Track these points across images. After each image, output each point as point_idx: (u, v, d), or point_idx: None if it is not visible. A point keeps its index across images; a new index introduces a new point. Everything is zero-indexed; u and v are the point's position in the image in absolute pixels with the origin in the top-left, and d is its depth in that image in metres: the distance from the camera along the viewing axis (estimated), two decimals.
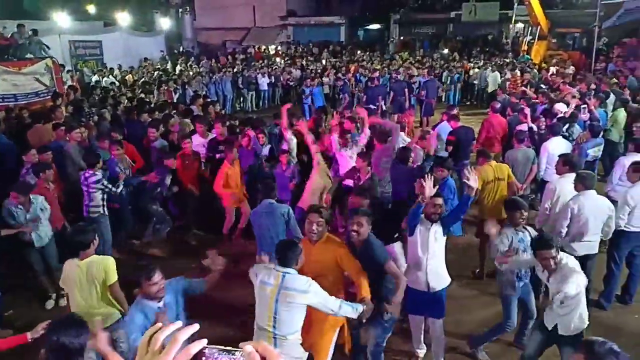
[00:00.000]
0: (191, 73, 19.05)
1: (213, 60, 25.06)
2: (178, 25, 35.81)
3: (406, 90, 14.20)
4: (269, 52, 30.59)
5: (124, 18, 24.98)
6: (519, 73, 15.82)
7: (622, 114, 9.06)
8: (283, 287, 3.49)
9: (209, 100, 12.60)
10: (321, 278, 3.74)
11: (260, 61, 24.24)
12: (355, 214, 4.12)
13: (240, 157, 7.23)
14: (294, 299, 3.46)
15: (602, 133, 8.01)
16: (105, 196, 6.28)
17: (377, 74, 15.81)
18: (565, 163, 5.59)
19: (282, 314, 3.50)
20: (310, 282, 3.52)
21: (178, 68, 21.76)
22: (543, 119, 8.36)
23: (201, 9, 35.61)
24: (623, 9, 16.76)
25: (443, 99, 17.56)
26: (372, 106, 11.91)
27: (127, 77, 17.54)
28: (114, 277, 4.11)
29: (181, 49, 32.10)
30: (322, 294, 3.54)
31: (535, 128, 8.11)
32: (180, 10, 36.96)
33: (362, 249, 4.06)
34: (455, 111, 9.11)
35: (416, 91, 14.51)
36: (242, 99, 18.64)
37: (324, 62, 24.26)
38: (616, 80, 12.88)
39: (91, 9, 30.30)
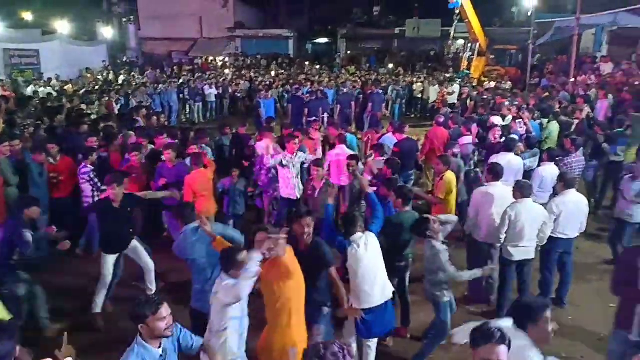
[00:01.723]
0: (134, 84, 18.51)
1: (158, 71, 24.54)
2: (122, 34, 34.89)
3: (352, 103, 14.43)
4: (217, 63, 30.31)
5: (63, 26, 24.05)
6: (456, 86, 16.52)
7: (555, 126, 9.60)
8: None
9: (151, 111, 12.23)
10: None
11: (208, 72, 23.95)
12: (303, 215, 4.11)
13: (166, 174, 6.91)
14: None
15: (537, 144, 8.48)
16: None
17: (316, 86, 16.01)
18: (490, 172, 5.83)
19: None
20: (219, 284, 3.55)
21: (121, 78, 21.12)
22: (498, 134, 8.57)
23: (146, 18, 34.81)
24: (554, 27, 17.87)
25: (389, 113, 17.97)
26: (315, 118, 12.02)
27: (66, 88, 16.81)
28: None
29: (125, 59, 31.24)
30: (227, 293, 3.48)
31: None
32: (124, 19, 36.05)
33: (310, 249, 4.06)
34: (400, 124, 9.34)
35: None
36: (188, 110, 18.30)
37: (272, 73, 24.30)
38: (548, 94, 13.66)
39: (28, 16, 28.99)
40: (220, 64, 30.45)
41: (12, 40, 19.03)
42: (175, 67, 27.15)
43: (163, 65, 27.91)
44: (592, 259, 6.93)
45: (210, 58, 31.88)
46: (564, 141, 7.60)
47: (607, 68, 17.00)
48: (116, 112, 13.38)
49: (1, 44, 18.01)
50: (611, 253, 6.75)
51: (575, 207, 5.54)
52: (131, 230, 5.71)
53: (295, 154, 6.96)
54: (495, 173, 5.74)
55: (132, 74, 22.79)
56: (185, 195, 6.34)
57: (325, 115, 13.28)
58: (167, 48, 34.38)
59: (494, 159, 6.77)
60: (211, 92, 18.50)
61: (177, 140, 8.26)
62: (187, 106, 18.24)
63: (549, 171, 6.65)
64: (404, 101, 18.66)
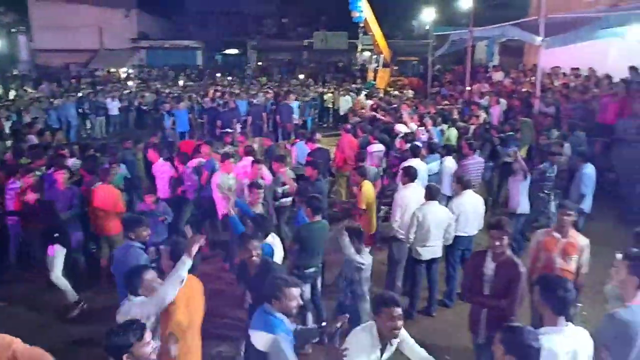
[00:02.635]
0: (26, 98, 17.09)
1: (55, 84, 22.87)
2: (11, 45, 32.14)
3: (264, 114, 14.41)
4: (120, 75, 28.90)
5: None
6: (363, 97, 17.12)
7: (453, 132, 10.27)
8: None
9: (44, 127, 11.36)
10: None
11: (111, 85, 22.73)
12: (250, 238, 4.07)
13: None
14: None
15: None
16: None
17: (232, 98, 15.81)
18: (406, 174, 6.15)
19: None
20: (130, 305, 3.42)
21: (12, 93, 19.40)
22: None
23: (39, 28, 32.38)
24: (450, 40, 19.15)
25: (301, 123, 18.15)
26: (228, 130, 11.85)
27: None
28: None
29: (15, 73, 28.79)
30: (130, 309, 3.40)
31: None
32: (12, 29, 33.23)
33: (260, 270, 3.97)
34: (311, 133, 9.47)
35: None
36: (89, 125, 17.21)
37: (180, 83, 23.62)
38: (447, 103, 14.58)
39: None
40: (123, 75, 29.04)
41: None
42: (73, 80, 25.46)
43: (60, 78, 26.04)
44: None
45: (113, 70, 30.32)
46: (462, 145, 8.12)
47: (498, 77, 18.49)
48: (7, 129, 12.29)
49: None
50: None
51: (472, 206, 5.93)
52: None
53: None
54: (411, 175, 6.11)
55: (25, 88, 21.02)
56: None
57: (238, 126, 13.13)
58: (64, 60, 32.20)
59: (404, 163, 7.06)
60: (114, 105, 17.56)
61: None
62: (88, 121, 17.15)
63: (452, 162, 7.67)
64: (316, 111, 18.97)
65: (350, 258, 4.53)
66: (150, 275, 3.54)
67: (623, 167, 8.81)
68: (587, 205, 6.99)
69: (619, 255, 3.76)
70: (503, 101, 13.02)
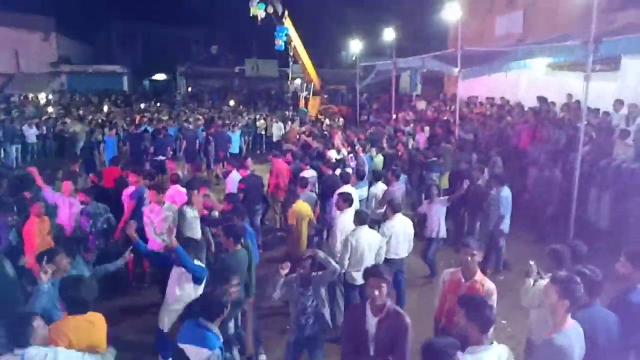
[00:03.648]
0: None
1: None
2: None
3: (197, 140, 14.20)
4: (38, 101, 27.33)
5: None
6: (297, 125, 17.40)
7: (379, 158, 10.71)
8: None
9: None
10: None
11: (26, 110, 21.43)
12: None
13: None
14: None
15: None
16: None
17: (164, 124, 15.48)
18: (345, 200, 6.33)
19: None
20: (53, 351, 3.09)
21: None
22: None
23: None
24: (376, 70, 19.99)
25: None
26: (161, 157, 11.56)
27: None
28: None
29: None
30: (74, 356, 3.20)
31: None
32: None
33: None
34: (242, 161, 9.47)
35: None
36: (3, 154, 16.05)
37: (105, 109, 22.71)
38: (375, 129, 15.15)
39: None
40: (43, 101, 27.50)
41: None
42: None
43: None
44: (422, 274, 7.72)
45: (31, 95, 28.63)
46: (387, 173, 8.44)
47: (421, 105, 19.52)
48: None
49: None
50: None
51: (402, 229, 6.19)
52: None
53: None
54: (350, 200, 6.32)
55: None
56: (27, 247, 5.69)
57: (170, 153, 12.83)
58: None
59: (338, 190, 7.25)
60: (31, 132, 16.56)
61: None
62: (2, 149, 16.02)
63: (379, 188, 8.00)
64: (250, 138, 18.93)
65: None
66: (36, 323, 3.15)
67: (536, 189, 9.56)
68: (505, 225, 7.50)
69: (543, 281, 3.99)
70: (427, 128, 13.74)
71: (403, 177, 8.62)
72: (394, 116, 17.31)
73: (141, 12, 37.05)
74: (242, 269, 5.05)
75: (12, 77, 31.36)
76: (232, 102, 28.76)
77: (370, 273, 3.62)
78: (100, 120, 18.25)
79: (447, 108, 17.14)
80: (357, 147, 10.73)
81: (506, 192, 7.53)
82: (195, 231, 6.59)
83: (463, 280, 4.19)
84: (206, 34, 40.71)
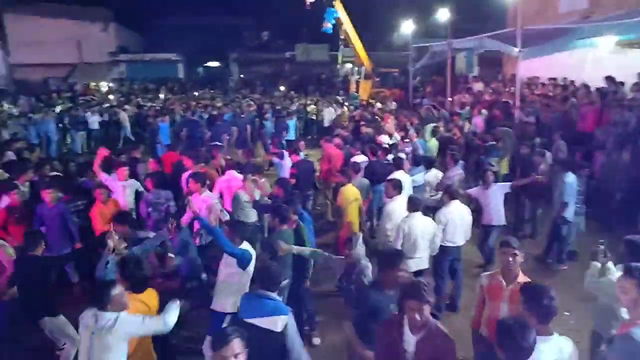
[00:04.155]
0: (4, 114, 16.77)
1: (33, 99, 22.51)
2: None
3: (249, 126, 14.39)
4: (100, 89, 28.62)
5: None
6: (346, 109, 17.23)
7: (434, 143, 10.40)
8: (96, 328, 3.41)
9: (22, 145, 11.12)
10: None
11: (90, 98, 22.48)
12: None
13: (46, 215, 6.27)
14: (105, 339, 3.39)
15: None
16: None
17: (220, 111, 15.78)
18: (394, 187, 6.18)
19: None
20: (117, 316, 3.41)
21: None
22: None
23: (17, 44, 31.88)
24: (430, 51, 19.44)
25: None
26: (218, 143, 11.79)
27: None
28: None
29: None
30: (135, 320, 3.50)
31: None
32: None
33: None
34: (296, 145, 9.47)
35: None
36: (69, 140, 16.94)
37: (162, 96, 23.44)
38: (430, 113, 14.73)
39: None
40: (104, 89, 28.77)
41: None
42: (53, 95, 25.08)
43: (38, 93, 25.66)
44: (479, 262, 7.47)
45: (93, 83, 30.02)
46: (444, 158, 8.18)
47: (478, 87, 18.79)
48: None
49: None
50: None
51: (459, 216, 5.98)
52: None
53: None
54: (400, 187, 6.15)
55: (2, 103, 20.63)
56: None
57: (226, 138, 13.10)
58: (43, 74, 31.75)
59: (390, 176, 7.09)
60: (94, 119, 17.33)
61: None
62: (68, 136, 16.90)
63: (433, 175, 7.85)
64: (301, 123, 18.97)
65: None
66: (117, 290, 3.51)
67: (603, 175, 8.98)
68: (569, 213, 7.10)
69: (612, 270, 3.74)
70: (484, 111, 13.21)
71: (460, 162, 8.33)
72: (450, 99, 16.76)
73: (194, 2, 37.82)
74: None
75: (76, 67, 32.99)
76: (282, 88, 28.92)
77: (410, 295, 3.04)
78: (157, 107, 18.83)
79: (506, 90, 16.38)
80: (411, 131, 10.45)
81: (570, 178, 7.11)
82: (249, 215, 6.67)
83: (504, 283, 3.79)
84: (257, 20, 41.01)
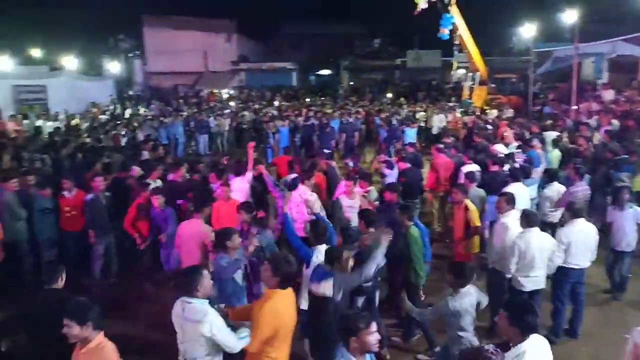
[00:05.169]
0: (140, 117, 18.74)
1: (163, 104, 24.87)
2: (128, 69, 35.59)
3: (357, 133, 14.56)
4: (222, 96, 30.78)
5: (70, 62, 24.57)
6: (459, 114, 16.61)
7: (555, 154, 9.62)
8: (183, 317, 3.52)
9: (157, 143, 12.40)
10: None
11: (213, 104, 24.29)
12: None
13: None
14: (190, 330, 3.49)
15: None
16: None
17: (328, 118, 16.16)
18: (507, 201, 5.81)
19: (185, 344, 3.55)
20: (207, 312, 3.47)
21: (128, 112, 21.39)
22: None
23: (152, 53, 35.64)
24: (553, 56, 18.17)
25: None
26: (325, 150, 12.09)
27: (72, 122, 17.03)
28: None
29: (131, 93, 31.74)
30: (221, 328, 3.49)
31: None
32: (130, 54, 36.86)
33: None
34: (404, 153, 9.39)
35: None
36: (194, 142, 18.44)
37: (276, 103, 24.57)
38: (551, 122, 13.72)
39: (36, 52, 29.71)
40: (225, 96, 30.91)
41: (20, 77, 19.49)
42: (181, 100, 27.51)
43: (169, 99, 28.32)
44: (605, 287, 6.80)
45: (216, 90, 32.41)
46: (569, 169, 7.55)
47: (608, 95, 17.13)
48: (123, 145, 13.52)
49: (10, 80, 18.40)
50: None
51: (584, 236, 5.49)
52: None
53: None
54: (514, 202, 5.80)
55: (138, 107, 23.11)
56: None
57: (333, 144, 13.47)
58: (173, 81, 35.02)
59: (506, 188, 6.69)
60: (216, 123, 18.67)
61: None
62: (193, 138, 18.39)
63: (554, 189, 7.16)
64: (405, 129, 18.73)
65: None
66: (205, 273, 3.66)
67: None
68: None
69: None
70: (615, 122, 11.99)
71: (586, 176, 7.65)
72: (575, 107, 15.48)
73: (309, 12, 39.17)
74: (370, 249, 4.96)
75: (202, 75, 35.87)
76: (389, 95, 28.81)
77: None
78: (271, 113, 19.78)
79: None
80: (535, 141, 9.77)
81: None
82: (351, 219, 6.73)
83: None
84: (369, 28, 41.31)
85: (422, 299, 5.58)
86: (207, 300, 3.63)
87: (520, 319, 3.12)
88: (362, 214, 5.44)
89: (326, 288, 4.13)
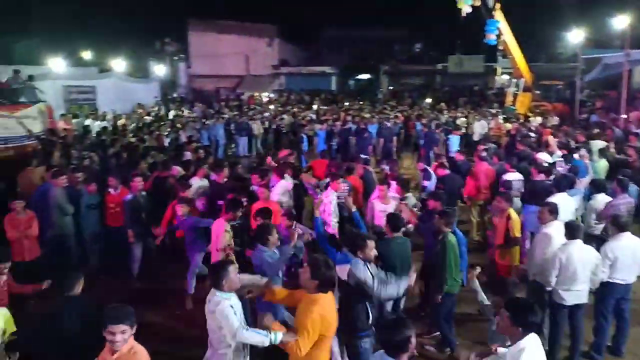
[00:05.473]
0: (183, 119, 19.21)
1: (205, 106, 25.41)
2: (173, 72, 36.59)
3: (395, 138, 14.45)
4: (262, 99, 31.18)
5: (119, 64, 25.48)
6: (501, 120, 16.21)
7: (602, 164, 9.27)
8: (208, 308, 3.75)
9: (199, 145, 12.72)
10: None
11: (253, 107, 24.66)
12: None
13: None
14: (210, 320, 3.74)
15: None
16: None
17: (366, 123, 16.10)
18: (550, 211, 5.64)
19: (210, 334, 3.80)
20: (220, 303, 3.63)
21: (172, 113, 21.99)
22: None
23: (195, 57, 36.60)
24: (602, 63, 17.49)
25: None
26: (362, 155, 12.05)
27: (119, 122, 17.65)
28: None
29: (175, 95, 32.60)
30: (228, 319, 3.60)
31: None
32: (175, 57, 37.89)
33: None
34: (443, 159, 9.26)
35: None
36: (234, 144, 18.76)
37: (314, 107, 24.68)
38: (598, 131, 13.21)
39: (87, 55, 31.00)
40: (265, 100, 31.31)
41: (71, 77, 20.37)
42: (222, 103, 28.04)
43: (211, 101, 28.93)
44: None
45: (256, 94, 32.88)
46: (613, 183, 7.24)
47: None
48: (166, 145, 13.90)
49: (62, 80, 19.24)
50: None
51: (630, 250, 5.27)
52: None
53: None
54: (556, 212, 5.64)
55: (182, 109, 23.71)
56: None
57: (370, 149, 13.42)
58: (215, 84, 35.77)
59: (550, 198, 6.50)
60: (256, 126, 18.93)
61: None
62: (233, 140, 18.72)
63: (600, 200, 6.87)
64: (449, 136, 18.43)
65: None
66: (233, 267, 3.83)
67: None
68: None
69: None
70: None
71: (634, 188, 7.33)
72: (625, 116, 14.86)
73: (349, 16, 39.18)
74: (392, 255, 5.09)
75: (243, 78, 36.49)
76: (428, 100, 28.44)
77: None
78: (309, 117, 19.89)
79: None
80: (583, 151, 9.44)
81: None
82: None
83: None
84: (409, 33, 40.92)
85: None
86: (233, 294, 3.79)
87: (524, 319, 3.21)
88: (389, 218, 5.40)
89: (342, 272, 4.27)
